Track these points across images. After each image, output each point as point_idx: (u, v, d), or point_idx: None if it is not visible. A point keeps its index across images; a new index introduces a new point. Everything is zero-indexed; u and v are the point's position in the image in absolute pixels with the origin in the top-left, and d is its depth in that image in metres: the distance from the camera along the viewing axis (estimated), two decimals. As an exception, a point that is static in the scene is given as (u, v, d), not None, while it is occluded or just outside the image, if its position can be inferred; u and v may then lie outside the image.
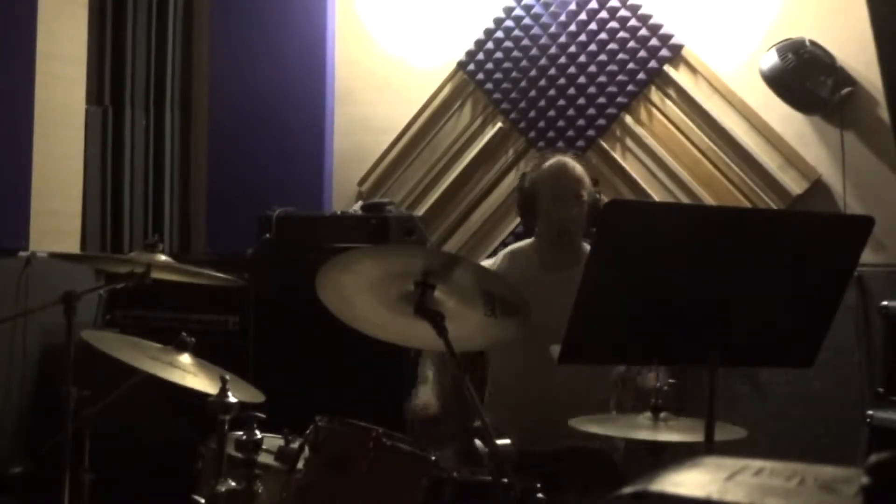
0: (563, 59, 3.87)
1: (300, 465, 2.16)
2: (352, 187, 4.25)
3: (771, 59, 3.43)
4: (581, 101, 3.85)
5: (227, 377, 2.17)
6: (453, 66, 4.08)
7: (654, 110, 3.76)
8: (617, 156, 3.81)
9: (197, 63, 4.57)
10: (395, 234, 3.61)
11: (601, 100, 3.82)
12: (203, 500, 2.22)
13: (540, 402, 2.77)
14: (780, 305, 1.95)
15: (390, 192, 4.16)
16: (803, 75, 3.40)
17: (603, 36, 3.82)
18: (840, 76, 3.40)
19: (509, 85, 3.98)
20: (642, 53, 3.77)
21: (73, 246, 4.08)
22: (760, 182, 3.60)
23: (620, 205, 2.24)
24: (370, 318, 2.23)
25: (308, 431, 2.15)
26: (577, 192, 2.82)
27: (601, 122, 3.82)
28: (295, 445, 2.18)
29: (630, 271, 1.88)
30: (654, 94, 3.76)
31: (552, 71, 3.89)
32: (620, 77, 3.79)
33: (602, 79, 3.82)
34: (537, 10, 3.92)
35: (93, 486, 2.52)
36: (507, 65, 3.98)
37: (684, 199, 3.66)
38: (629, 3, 3.79)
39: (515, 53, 3.96)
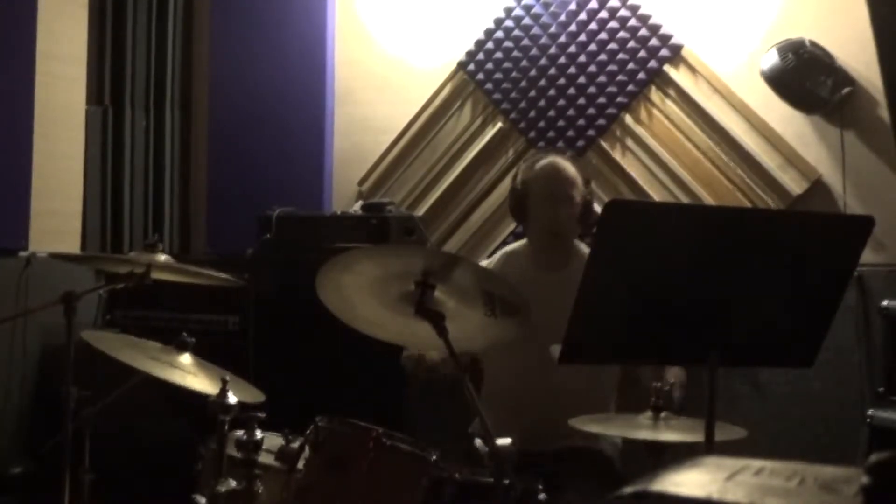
0: (563, 59, 3.87)
1: (300, 465, 2.16)
2: (352, 187, 4.25)
3: (771, 59, 3.43)
4: (581, 101, 3.85)
5: (227, 377, 2.17)
6: (453, 66, 4.08)
7: (654, 110, 3.76)
8: (617, 156, 3.81)
9: (197, 63, 4.57)
10: (395, 234, 3.61)
11: (601, 100, 3.82)
12: (203, 500, 2.22)
13: (539, 402, 2.77)
14: (780, 305, 1.95)
15: (390, 192, 4.16)
16: (803, 75, 3.40)
17: (603, 36, 3.82)
18: (840, 76, 3.40)
19: (509, 85, 3.97)
20: (642, 53, 3.77)
21: (73, 246, 4.08)
22: (760, 182, 3.60)
23: (620, 205, 2.24)
24: (370, 318, 2.23)
25: (308, 431, 2.15)
26: (568, 194, 2.82)
27: (601, 122, 3.82)
28: (295, 445, 2.18)
29: (630, 271, 1.88)
30: (654, 94, 3.76)
31: (552, 71, 3.89)
32: (620, 77, 3.79)
33: (602, 79, 3.82)
34: (537, 10, 3.92)
35: (93, 486, 2.52)
36: (507, 65, 3.98)
37: (684, 199, 3.66)
38: (629, 3, 3.79)
39: (515, 53, 3.96)
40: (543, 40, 3.90)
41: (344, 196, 4.24)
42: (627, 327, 1.95)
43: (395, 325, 2.20)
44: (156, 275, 2.57)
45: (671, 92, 3.73)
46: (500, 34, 3.99)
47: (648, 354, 2.08)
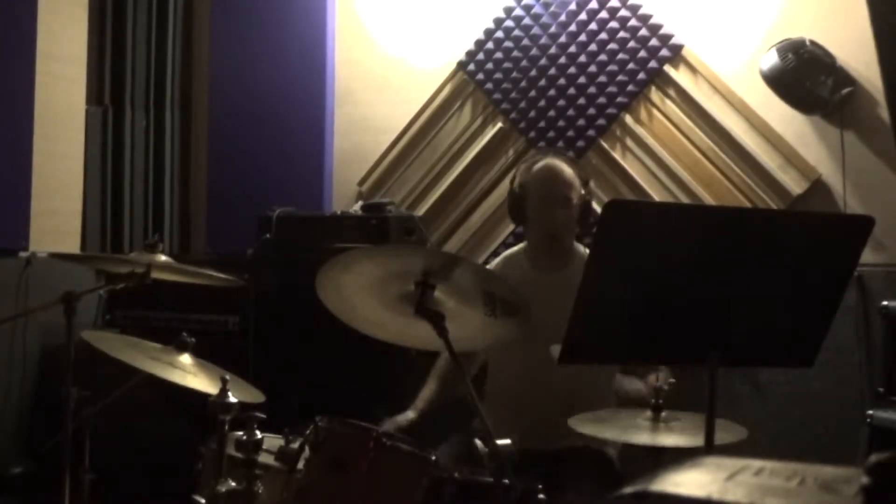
0: (563, 59, 3.87)
1: (300, 465, 2.16)
2: (352, 187, 4.25)
3: (771, 59, 3.43)
4: (581, 101, 3.85)
5: (228, 377, 2.17)
6: (453, 66, 4.08)
7: (654, 110, 3.76)
8: (617, 156, 3.81)
9: (197, 63, 4.57)
10: (395, 234, 3.61)
11: (601, 100, 3.82)
12: (203, 501, 2.23)
13: (539, 402, 2.77)
14: (780, 305, 1.94)
15: (390, 192, 4.16)
16: (803, 75, 3.40)
17: (603, 36, 3.82)
18: (840, 76, 3.40)
19: (509, 85, 3.98)
20: (642, 53, 3.77)
21: (73, 246, 4.08)
22: (760, 182, 3.60)
23: (620, 205, 2.24)
24: (370, 318, 2.23)
25: (308, 431, 2.15)
26: (566, 196, 2.82)
27: (601, 122, 3.82)
28: (295, 445, 2.18)
29: (630, 271, 1.88)
30: (654, 94, 3.76)
31: (552, 71, 3.89)
32: (620, 77, 3.79)
33: (602, 79, 3.82)
34: (537, 10, 3.92)
35: (93, 486, 2.52)
36: (507, 65, 3.98)
37: (684, 199, 3.66)
38: (629, 3, 3.79)
39: (515, 53, 3.96)
40: (543, 40, 3.90)
41: (344, 196, 4.24)
42: (627, 327, 1.94)
43: (395, 325, 2.20)
44: (156, 275, 2.57)
45: (671, 92, 3.74)
46: (500, 34, 3.99)
47: (648, 354, 2.08)
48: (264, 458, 2.17)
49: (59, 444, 2.38)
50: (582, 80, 3.85)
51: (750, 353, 2.08)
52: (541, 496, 2.00)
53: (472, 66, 4.04)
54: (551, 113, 3.90)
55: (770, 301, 1.94)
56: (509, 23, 3.97)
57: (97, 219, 4.22)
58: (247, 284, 3.36)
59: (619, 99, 3.80)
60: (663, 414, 2.22)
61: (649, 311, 1.92)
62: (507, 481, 1.87)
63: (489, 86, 4.01)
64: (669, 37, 3.73)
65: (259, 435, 2.11)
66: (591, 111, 3.83)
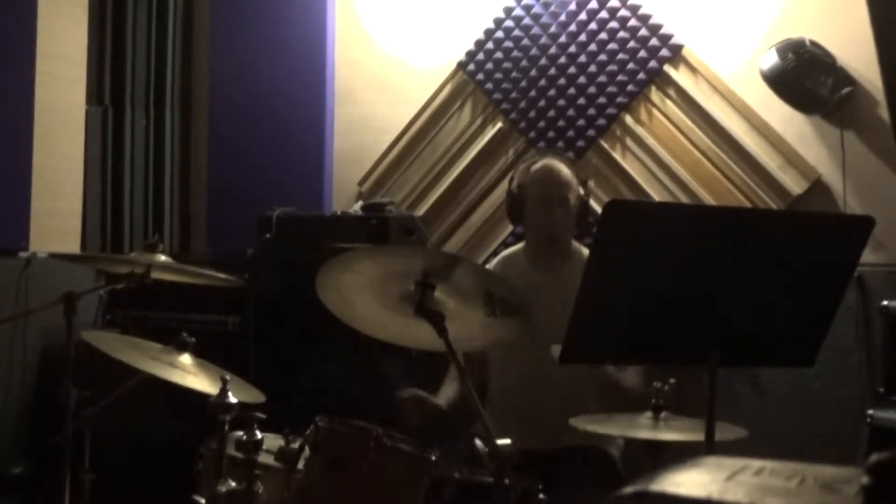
0: (563, 59, 3.87)
1: (300, 465, 2.16)
2: (352, 187, 4.25)
3: (771, 59, 3.43)
4: (581, 101, 3.85)
5: (228, 377, 2.17)
6: (453, 66, 4.08)
7: (654, 110, 3.76)
8: (617, 156, 3.81)
9: (197, 63, 4.57)
10: (396, 234, 3.61)
11: (601, 100, 3.82)
12: (203, 501, 2.23)
13: (539, 401, 2.77)
14: (781, 305, 1.95)
15: (390, 192, 4.16)
16: (803, 75, 3.39)
17: (603, 36, 3.82)
18: (840, 76, 3.40)
19: (509, 85, 3.98)
20: (642, 53, 3.77)
21: (73, 246, 4.08)
22: (760, 182, 3.60)
23: (620, 205, 2.24)
24: (370, 318, 2.23)
25: (308, 431, 2.15)
26: (563, 196, 2.83)
27: (601, 122, 3.82)
28: (295, 445, 2.18)
29: (630, 271, 1.88)
30: (654, 94, 3.76)
31: (552, 71, 3.89)
32: (620, 77, 3.79)
33: (602, 79, 3.82)
34: (537, 10, 3.92)
35: (93, 486, 2.52)
36: (507, 65, 3.98)
37: (684, 199, 3.66)
38: (629, 3, 3.79)
39: (515, 53, 3.96)
40: (543, 40, 3.90)
41: (344, 196, 4.24)
42: (627, 327, 1.95)
43: (395, 325, 2.20)
44: (156, 275, 2.57)
45: (671, 92, 3.74)
46: (500, 34, 3.99)
47: (648, 354, 2.08)
48: (264, 458, 2.17)
49: (59, 444, 2.38)
50: (582, 80, 3.85)
51: (750, 353, 2.08)
52: (541, 496, 2.00)
53: (472, 66, 4.04)
54: (551, 113, 3.90)
55: (770, 301, 1.94)
56: (509, 23, 3.97)
57: (97, 219, 4.21)
58: (247, 284, 3.36)
59: (619, 99, 3.80)
60: (663, 414, 2.22)
61: (649, 311, 1.92)
62: (507, 481, 1.87)
63: (489, 86, 4.01)
64: (669, 37, 3.73)
65: (259, 435, 2.11)
66: (591, 111, 3.83)
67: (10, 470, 3.72)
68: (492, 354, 2.93)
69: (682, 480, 0.81)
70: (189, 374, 2.42)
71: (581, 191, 2.88)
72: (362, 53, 4.24)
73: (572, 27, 3.86)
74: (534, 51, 3.92)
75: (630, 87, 3.79)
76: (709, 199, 3.64)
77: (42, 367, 3.86)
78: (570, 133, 3.86)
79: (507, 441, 1.99)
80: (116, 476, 2.87)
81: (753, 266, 1.89)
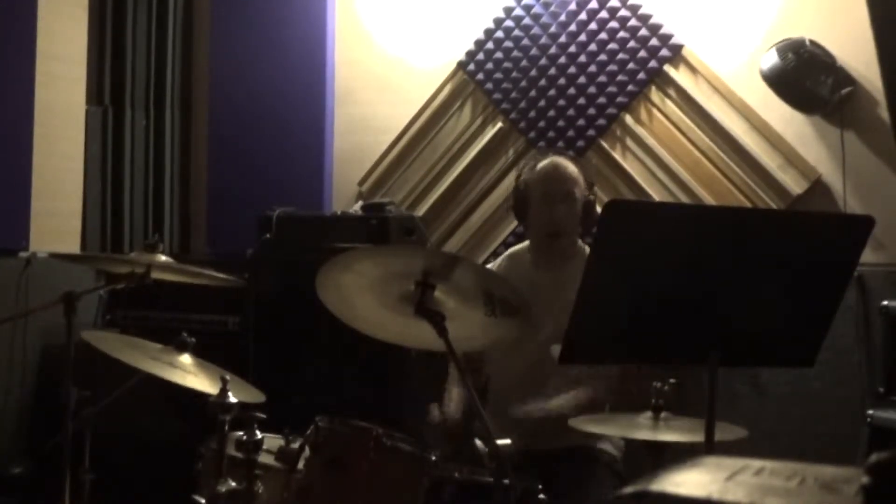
0: (563, 59, 3.87)
1: (300, 465, 2.16)
2: (352, 187, 4.25)
3: (771, 59, 3.43)
4: (581, 101, 3.85)
5: (228, 377, 2.17)
6: (453, 66, 4.08)
7: (654, 110, 3.76)
8: (617, 156, 3.81)
9: (197, 63, 4.57)
10: (396, 234, 3.61)
11: (601, 100, 3.82)
12: (203, 501, 2.22)
13: (539, 401, 2.77)
14: (781, 305, 1.95)
15: (390, 192, 4.16)
16: (803, 75, 3.39)
17: (603, 36, 3.82)
18: (840, 76, 3.40)
19: (509, 85, 3.97)
20: (642, 53, 3.77)
21: (73, 246, 4.08)
22: (760, 182, 3.60)
23: (620, 205, 2.24)
24: (370, 318, 2.23)
25: (308, 431, 2.15)
26: (569, 191, 2.82)
27: (601, 122, 3.82)
28: (295, 445, 2.18)
29: (630, 271, 1.88)
30: (654, 94, 3.76)
31: (552, 71, 3.89)
32: (620, 77, 3.79)
33: (602, 79, 3.82)
34: (537, 10, 3.92)
35: (93, 486, 2.52)
36: (507, 65, 3.98)
37: (684, 199, 3.66)
38: (629, 3, 3.79)
39: (515, 53, 3.96)
40: (543, 40, 3.90)
41: (344, 196, 4.24)
42: (627, 327, 1.95)
43: (395, 325, 2.20)
44: (156, 275, 2.57)
45: (671, 92, 3.74)
46: (500, 34, 3.99)
47: (648, 354, 2.08)
48: (264, 458, 2.17)
49: (59, 444, 2.38)
50: (582, 80, 3.85)
51: (750, 353, 2.08)
52: (541, 496, 2.00)
53: (472, 66, 4.04)
54: (551, 113, 3.90)
55: (770, 301, 1.94)
56: (509, 23, 3.97)
57: (97, 219, 4.21)
58: (247, 284, 3.36)
59: (619, 99, 3.80)
60: (663, 414, 2.22)
61: (649, 311, 1.92)
62: (507, 481, 1.87)
63: (489, 86, 4.01)
64: (669, 37, 3.73)
65: (259, 435, 2.11)
66: (591, 111, 3.83)
67: (10, 470, 3.72)
68: (492, 354, 2.92)
69: (682, 480, 0.81)
70: (189, 374, 2.42)
71: (587, 189, 2.88)
72: (362, 53, 4.24)
73: (572, 27, 3.86)
74: (534, 51, 3.92)
75: (630, 87, 3.79)
76: (709, 199, 3.64)
77: (42, 367, 3.86)
78: (570, 133, 3.86)
79: (507, 441, 2.00)
80: (116, 476, 2.87)
81: (753, 266, 1.89)
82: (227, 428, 2.12)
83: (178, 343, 2.50)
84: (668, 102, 3.74)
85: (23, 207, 3.81)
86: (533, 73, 3.92)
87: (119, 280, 2.56)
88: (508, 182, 3.91)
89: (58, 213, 4.02)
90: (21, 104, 3.80)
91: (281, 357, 3.53)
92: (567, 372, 2.63)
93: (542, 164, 2.89)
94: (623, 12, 3.79)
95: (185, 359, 2.48)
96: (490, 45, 4.01)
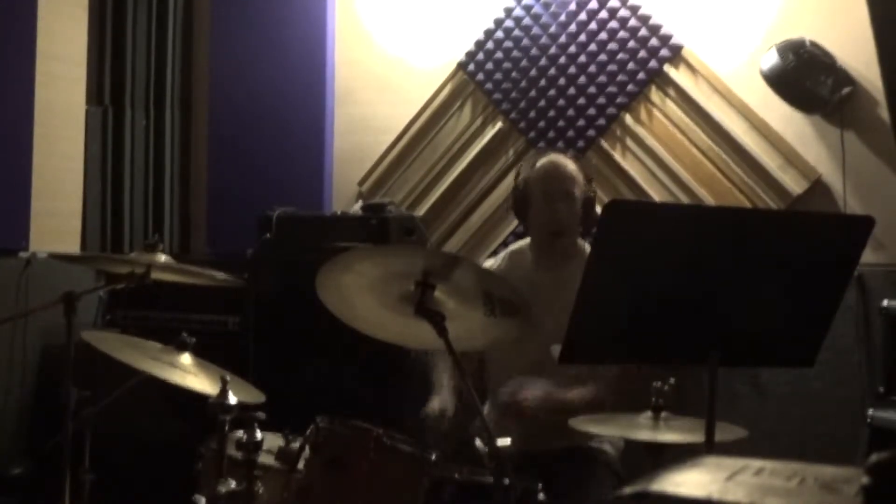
0: (563, 59, 3.87)
1: (300, 465, 2.16)
2: (352, 187, 4.25)
3: (771, 59, 3.43)
4: (581, 101, 3.85)
5: (228, 377, 2.17)
6: (453, 66, 4.08)
7: (654, 110, 3.76)
8: (617, 156, 3.81)
9: (197, 63, 4.57)
10: (396, 234, 3.61)
11: (601, 100, 3.82)
12: (203, 501, 2.22)
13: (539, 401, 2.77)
14: (781, 305, 1.95)
15: (390, 192, 4.16)
16: (803, 75, 3.39)
17: (603, 36, 3.82)
18: (840, 76, 3.40)
19: (509, 85, 3.97)
20: (642, 53, 3.77)
21: (73, 246, 4.08)
22: (760, 182, 3.60)
23: (620, 205, 2.24)
24: (370, 318, 2.23)
25: (308, 432, 2.15)
26: (569, 190, 2.82)
27: (601, 122, 3.82)
28: (295, 445, 2.18)
29: (630, 271, 1.88)
30: (654, 94, 3.76)
31: (552, 71, 3.89)
32: (620, 77, 3.79)
33: (602, 79, 3.82)
34: (537, 10, 3.92)
35: (93, 486, 2.52)
36: (507, 65, 3.98)
37: (684, 199, 3.66)
38: (629, 3, 3.79)
39: (515, 53, 3.96)
40: (543, 40, 3.90)
41: (344, 196, 4.24)
42: (627, 327, 1.95)
43: (395, 325, 2.20)
44: (156, 275, 2.57)
45: (671, 92, 3.73)
46: (500, 34, 3.99)
47: (648, 354, 2.08)
48: (264, 458, 2.17)
49: (59, 444, 2.38)
50: (582, 80, 3.85)
51: (750, 353, 2.08)
52: (541, 496, 2.00)
53: (472, 66, 4.04)
54: (551, 113, 3.90)
55: (770, 301, 1.94)
56: (509, 23, 3.97)
57: (97, 219, 4.21)
58: (247, 284, 3.37)
59: (619, 99, 3.80)
60: (663, 414, 2.22)
61: (649, 311, 1.92)
62: (507, 481, 1.87)
63: (489, 86, 4.01)
64: (669, 37, 3.73)
65: (259, 435, 2.11)
66: (591, 111, 3.83)
67: (10, 470, 3.72)
68: (491, 354, 2.92)
69: (682, 480, 0.81)
70: (189, 374, 2.42)
71: (587, 187, 2.88)
72: (362, 53, 4.24)
73: (572, 27, 3.86)
74: (534, 51, 3.92)
75: (630, 87, 3.79)
76: (709, 199, 3.64)
77: (42, 367, 3.86)
78: (570, 133, 3.86)
79: (507, 441, 2.00)
80: (116, 476, 2.87)
81: (753, 266, 1.89)
82: (227, 428, 2.12)
83: (178, 343, 2.50)
84: (668, 102, 3.74)
85: (23, 207, 3.81)
86: (533, 73, 3.92)
87: (119, 280, 2.56)
88: (508, 182, 3.90)
89: (58, 213, 4.02)
90: (21, 104, 3.80)
91: (281, 357, 3.53)
92: (566, 371, 2.62)
93: (541, 162, 2.89)
94: (623, 12, 3.79)
95: (185, 359, 2.48)
96: (490, 45, 4.01)
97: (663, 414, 2.22)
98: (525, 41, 3.94)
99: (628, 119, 3.80)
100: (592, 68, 3.83)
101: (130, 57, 4.33)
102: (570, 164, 2.87)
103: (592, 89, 3.83)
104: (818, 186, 3.53)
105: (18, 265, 3.76)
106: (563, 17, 3.87)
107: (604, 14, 3.81)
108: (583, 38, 3.84)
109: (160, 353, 2.48)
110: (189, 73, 4.56)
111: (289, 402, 2.42)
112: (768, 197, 3.58)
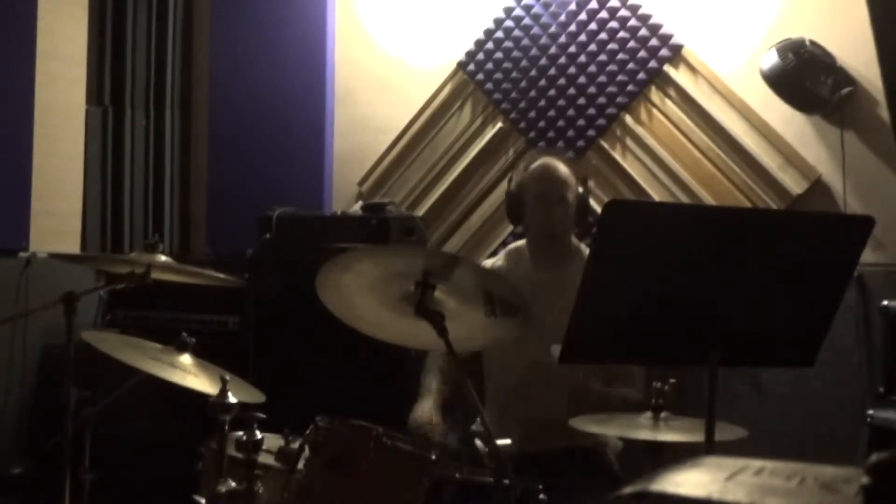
0: (563, 59, 3.87)
1: (300, 465, 2.16)
2: (352, 187, 4.25)
3: (771, 59, 3.43)
4: (581, 101, 3.85)
5: (228, 377, 2.17)
6: (453, 66, 4.08)
7: (654, 110, 3.76)
8: (617, 156, 3.81)
9: (197, 63, 4.57)
10: (396, 235, 3.61)
11: (601, 100, 3.82)
12: (203, 501, 2.23)
13: (539, 401, 2.77)
14: (781, 305, 1.95)
15: (390, 192, 4.16)
16: (803, 75, 3.39)
17: (603, 36, 3.82)
18: (840, 76, 3.40)
19: (509, 85, 3.97)
20: (642, 53, 3.77)
21: (73, 246, 4.08)
22: (760, 182, 3.60)
23: (620, 205, 2.25)
24: (370, 318, 2.23)
25: (308, 431, 2.15)
26: (561, 194, 2.84)
27: (601, 122, 3.82)
28: (295, 445, 2.18)
29: (630, 271, 1.88)
30: (654, 94, 3.76)
31: (552, 71, 3.89)
32: (620, 77, 3.79)
33: (602, 79, 3.82)
34: (537, 10, 3.92)
35: (93, 486, 2.52)
36: (507, 65, 3.98)
37: (684, 199, 3.66)
38: (629, 3, 3.79)
39: (515, 53, 3.96)
40: (543, 40, 3.90)
41: (344, 196, 4.24)
42: (627, 327, 1.95)
43: (395, 325, 2.20)
44: (156, 275, 2.57)
45: (671, 92, 3.73)
46: (500, 34, 3.99)
47: (648, 354, 2.08)
48: (264, 458, 2.17)
49: (59, 444, 2.38)
50: (582, 80, 3.85)
51: (750, 353, 2.08)
52: (541, 496, 2.00)
53: (472, 66, 4.04)
54: (551, 113, 3.90)
55: (770, 301, 1.94)
56: (509, 23, 3.97)
57: (97, 219, 4.21)
58: (247, 284, 3.36)
59: (619, 99, 3.80)
60: (663, 414, 2.22)
61: (649, 311, 1.92)
62: (507, 481, 1.87)
63: (489, 86, 4.01)
64: (669, 37, 3.73)
65: (259, 435, 2.11)
66: (591, 111, 3.83)
67: (10, 470, 3.72)
68: (491, 354, 2.93)
69: (682, 480, 0.81)
70: (189, 374, 2.42)
71: (580, 189, 2.89)
72: (362, 53, 4.24)
73: (572, 27, 3.86)
74: (534, 51, 3.92)
75: (630, 87, 3.79)
76: (709, 199, 3.64)
77: (42, 367, 3.86)
78: (570, 133, 3.86)
79: (507, 441, 2.00)
80: (116, 476, 2.87)
81: (753, 266, 1.89)
82: (227, 428, 2.12)
83: (178, 343, 2.50)
84: (668, 102, 3.74)
85: (23, 207, 3.81)
86: (533, 73, 3.92)
87: (119, 280, 2.56)
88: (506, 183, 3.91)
89: (58, 213, 4.02)
90: (21, 104, 3.80)
91: (281, 357, 3.53)
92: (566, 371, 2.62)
93: (533, 166, 2.91)
94: (623, 12, 3.79)
95: (185, 359, 2.48)
96: (490, 45, 4.01)
97: (663, 414, 2.22)
98: (525, 41, 3.94)
99: (628, 119, 3.80)
100: (592, 68, 3.83)
101: (130, 57, 4.33)
102: (561, 168, 2.88)
103: (592, 89, 3.83)
104: (818, 186, 3.53)
105: (18, 265, 3.76)
106: (563, 17, 3.87)
107: (604, 14, 3.81)
108: (583, 38, 3.84)
109: (160, 354, 2.48)
110: (189, 73, 4.56)
111: (289, 402, 2.42)
112: (768, 197, 3.58)
